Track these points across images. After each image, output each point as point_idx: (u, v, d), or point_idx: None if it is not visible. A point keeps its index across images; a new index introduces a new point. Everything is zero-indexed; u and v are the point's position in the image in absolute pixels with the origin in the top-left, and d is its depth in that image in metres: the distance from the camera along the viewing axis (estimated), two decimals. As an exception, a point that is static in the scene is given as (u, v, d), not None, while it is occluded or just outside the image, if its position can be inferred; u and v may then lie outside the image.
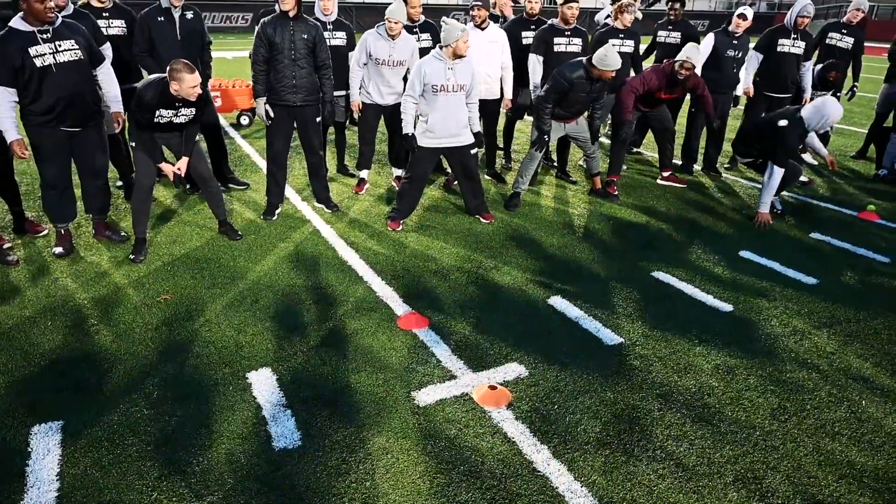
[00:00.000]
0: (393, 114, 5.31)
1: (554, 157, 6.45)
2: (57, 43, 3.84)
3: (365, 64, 5.18)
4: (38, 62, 3.77)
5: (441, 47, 4.50)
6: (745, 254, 4.60)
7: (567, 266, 4.33)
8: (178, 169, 4.21)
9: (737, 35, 6.04)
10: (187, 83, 3.82)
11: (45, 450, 2.53)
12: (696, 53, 5.32)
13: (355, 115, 5.51)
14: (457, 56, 4.48)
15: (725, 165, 6.80)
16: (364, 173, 5.74)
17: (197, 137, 4.33)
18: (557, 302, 3.81)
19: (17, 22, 3.75)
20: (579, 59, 5.09)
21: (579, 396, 2.94)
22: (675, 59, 5.42)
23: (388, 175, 6.17)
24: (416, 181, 4.88)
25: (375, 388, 2.95)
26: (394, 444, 2.60)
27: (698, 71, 6.02)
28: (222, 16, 24.06)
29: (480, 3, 5.49)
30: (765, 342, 3.45)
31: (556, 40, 5.59)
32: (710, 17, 31.70)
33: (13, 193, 4.45)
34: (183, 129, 4.19)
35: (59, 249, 4.26)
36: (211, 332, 3.39)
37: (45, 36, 3.79)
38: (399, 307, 3.69)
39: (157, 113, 3.95)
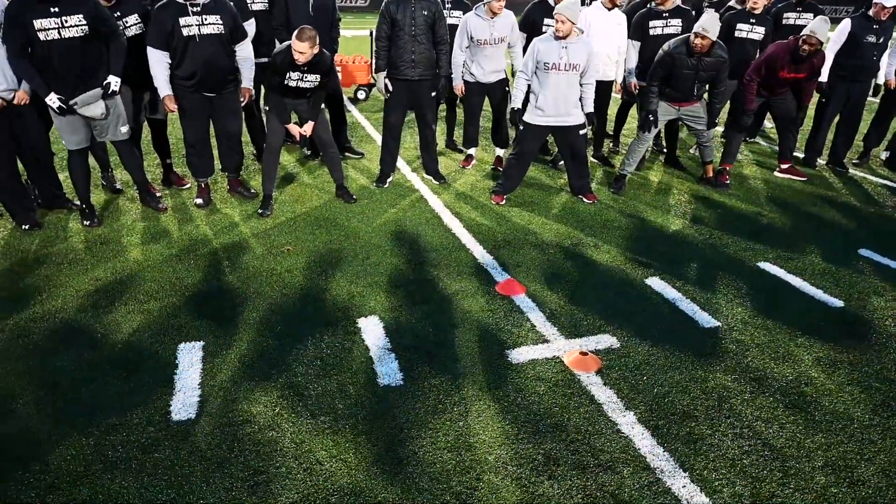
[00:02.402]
0: (497, 92, 5.42)
1: (664, 143, 6.32)
2: (204, 17, 4.29)
3: (467, 47, 5.27)
4: (185, 32, 4.23)
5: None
6: (864, 252, 4.36)
7: (668, 249, 4.31)
8: (304, 131, 4.62)
9: (879, 19, 5.60)
10: (295, 46, 4.15)
11: (189, 363, 2.96)
12: (824, 26, 4.97)
13: (460, 97, 5.66)
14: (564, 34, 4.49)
15: (854, 161, 6.37)
16: (472, 150, 5.93)
17: (322, 106, 4.69)
18: (655, 282, 3.83)
19: None
20: (689, 34, 4.94)
21: (669, 371, 2.99)
22: (801, 34, 5.11)
23: (494, 152, 6.32)
24: (523, 157, 5.00)
25: (472, 344, 3.16)
26: (486, 393, 2.80)
27: (830, 57, 5.66)
28: (343, -4, 25.02)
29: None
30: (875, 340, 3.31)
31: (651, 24, 5.43)
32: (855, 1, 28.74)
33: (165, 147, 5.07)
34: (310, 96, 4.57)
35: (199, 200, 4.82)
36: (327, 282, 3.74)
37: (195, 9, 4.25)
38: (498, 275, 3.87)
39: (287, 76, 4.34)
